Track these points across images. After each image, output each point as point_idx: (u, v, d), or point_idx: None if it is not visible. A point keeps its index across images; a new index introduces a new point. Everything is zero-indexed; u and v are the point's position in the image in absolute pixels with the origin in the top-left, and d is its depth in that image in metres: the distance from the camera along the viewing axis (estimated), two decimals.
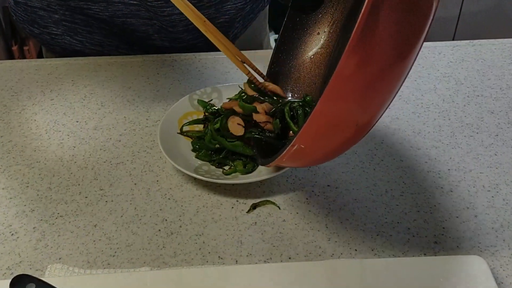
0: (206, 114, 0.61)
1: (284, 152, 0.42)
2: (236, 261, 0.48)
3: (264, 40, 0.90)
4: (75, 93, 0.70)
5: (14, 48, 1.61)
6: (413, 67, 0.73)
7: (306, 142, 0.41)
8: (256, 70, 0.58)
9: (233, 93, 0.62)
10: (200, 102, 0.63)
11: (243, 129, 0.55)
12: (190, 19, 0.53)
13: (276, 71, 0.59)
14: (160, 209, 0.53)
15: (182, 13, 0.52)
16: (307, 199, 0.54)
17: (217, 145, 0.56)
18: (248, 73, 0.56)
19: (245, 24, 0.81)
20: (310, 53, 0.57)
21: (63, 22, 0.75)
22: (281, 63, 0.59)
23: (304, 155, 0.43)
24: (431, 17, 0.37)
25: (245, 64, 0.57)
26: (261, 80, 0.58)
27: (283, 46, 0.58)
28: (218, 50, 0.56)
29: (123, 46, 0.79)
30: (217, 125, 0.57)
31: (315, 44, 0.57)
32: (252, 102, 0.56)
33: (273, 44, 1.92)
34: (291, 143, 0.41)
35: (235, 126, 0.55)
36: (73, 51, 0.79)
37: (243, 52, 0.56)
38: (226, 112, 0.58)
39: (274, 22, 1.81)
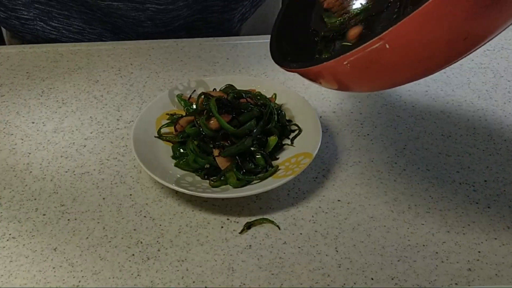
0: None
1: (361, 46, 0.39)
2: None
3: None
4: (31, 88, 0.70)
5: None
6: None
7: (397, 40, 0.38)
8: None
9: (222, 87, 0.62)
10: (180, 98, 0.63)
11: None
12: None
13: None
14: (134, 229, 0.53)
15: None
16: (312, 217, 0.54)
17: (207, 165, 0.57)
18: None
19: (255, 3, 0.82)
20: None
21: (35, 4, 0.75)
22: None
23: (380, 62, 0.40)
24: None
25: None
26: None
27: None
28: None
29: (107, 35, 0.79)
30: (196, 142, 0.57)
31: None
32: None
33: None
34: (378, 37, 0.38)
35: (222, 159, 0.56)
36: (47, 39, 0.79)
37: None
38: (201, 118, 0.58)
39: None
